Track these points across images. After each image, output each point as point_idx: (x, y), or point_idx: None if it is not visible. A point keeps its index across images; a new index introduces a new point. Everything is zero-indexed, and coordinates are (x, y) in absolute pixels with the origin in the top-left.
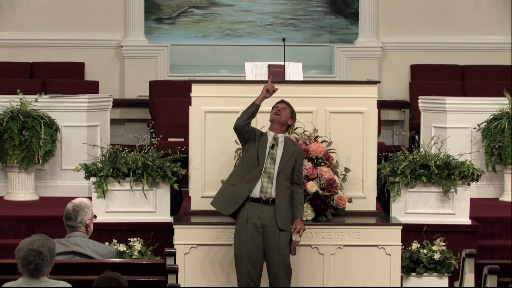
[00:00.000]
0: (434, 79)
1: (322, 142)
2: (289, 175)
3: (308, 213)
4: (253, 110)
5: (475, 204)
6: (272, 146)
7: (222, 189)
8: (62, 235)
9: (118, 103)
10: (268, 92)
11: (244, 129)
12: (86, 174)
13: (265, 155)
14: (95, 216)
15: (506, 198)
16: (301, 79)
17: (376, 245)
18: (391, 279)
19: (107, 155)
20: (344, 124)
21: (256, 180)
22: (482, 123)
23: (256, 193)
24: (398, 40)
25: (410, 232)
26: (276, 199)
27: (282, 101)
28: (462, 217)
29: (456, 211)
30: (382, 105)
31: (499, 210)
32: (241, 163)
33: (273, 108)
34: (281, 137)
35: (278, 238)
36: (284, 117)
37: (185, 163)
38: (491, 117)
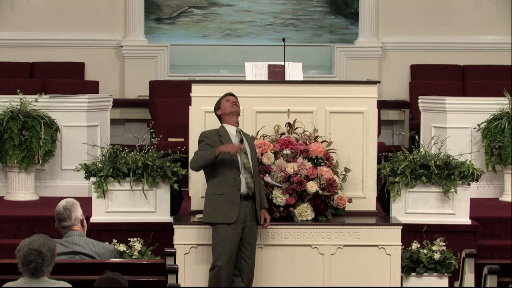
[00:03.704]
0: (434, 79)
1: (322, 142)
2: (257, 162)
3: (308, 213)
4: (210, 162)
5: (475, 204)
6: (241, 141)
7: (213, 203)
8: (62, 235)
9: (118, 103)
10: (231, 151)
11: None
12: (86, 174)
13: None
14: (83, 213)
15: (506, 198)
16: (301, 79)
17: (376, 245)
18: (391, 279)
19: (107, 155)
20: (344, 124)
21: (239, 178)
22: (482, 123)
23: (242, 191)
24: (398, 40)
25: (410, 232)
26: (255, 193)
27: (231, 94)
28: (462, 217)
29: (456, 211)
30: (382, 105)
31: (499, 210)
32: (212, 171)
33: (221, 102)
34: (241, 129)
35: (256, 232)
36: (239, 107)
37: (185, 163)
38: (491, 117)
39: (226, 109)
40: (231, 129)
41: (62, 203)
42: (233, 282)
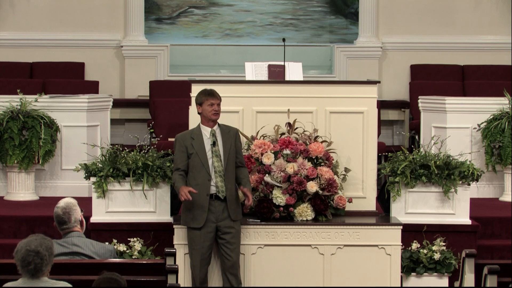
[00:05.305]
0: (434, 79)
1: (322, 142)
2: (233, 160)
3: (308, 213)
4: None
5: (475, 204)
6: (214, 144)
7: (185, 206)
8: (61, 235)
9: (118, 103)
10: (180, 199)
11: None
12: (86, 174)
13: (207, 154)
14: (81, 210)
15: (506, 198)
16: (301, 79)
17: (376, 245)
18: (391, 279)
19: (107, 155)
20: (344, 124)
21: (208, 182)
22: (482, 123)
23: (212, 193)
24: (398, 40)
25: (410, 232)
26: (227, 192)
27: (215, 97)
28: (462, 217)
29: (456, 211)
30: (382, 105)
31: (499, 210)
32: (186, 175)
33: (204, 102)
34: (216, 129)
35: (235, 230)
36: (219, 114)
37: None
38: (491, 117)
39: (206, 114)
40: (206, 131)
41: (60, 204)
42: (223, 282)
